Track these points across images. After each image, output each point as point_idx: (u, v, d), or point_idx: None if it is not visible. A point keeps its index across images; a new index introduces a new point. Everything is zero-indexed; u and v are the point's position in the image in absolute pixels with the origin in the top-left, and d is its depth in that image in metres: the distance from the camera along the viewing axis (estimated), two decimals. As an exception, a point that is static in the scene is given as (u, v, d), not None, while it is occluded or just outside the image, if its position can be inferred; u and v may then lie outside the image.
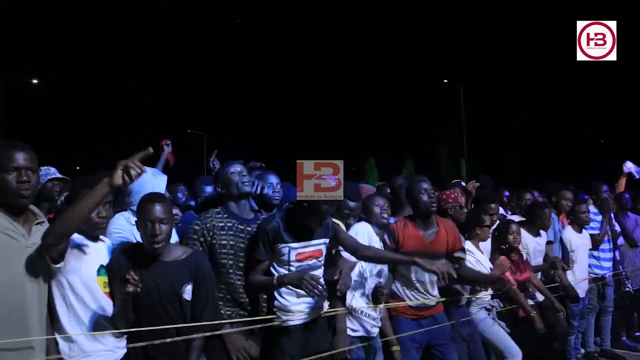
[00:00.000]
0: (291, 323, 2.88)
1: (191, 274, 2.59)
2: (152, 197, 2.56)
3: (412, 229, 3.51)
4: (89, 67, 29.23)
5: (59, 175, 3.76)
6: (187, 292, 2.58)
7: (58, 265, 2.26)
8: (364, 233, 3.33)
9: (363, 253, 3.11)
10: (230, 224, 2.98)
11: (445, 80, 26.83)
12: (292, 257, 2.88)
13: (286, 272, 2.87)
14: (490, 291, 3.99)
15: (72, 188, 2.71)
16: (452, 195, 4.08)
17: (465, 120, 26.32)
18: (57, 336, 2.37)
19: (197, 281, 2.61)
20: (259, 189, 3.38)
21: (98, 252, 2.52)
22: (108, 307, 2.46)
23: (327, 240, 3.01)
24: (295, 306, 2.89)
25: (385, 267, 3.47)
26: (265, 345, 2.96)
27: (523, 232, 4.36)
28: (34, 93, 25.22)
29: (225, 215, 3.01)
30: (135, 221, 2.60)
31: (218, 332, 2.69)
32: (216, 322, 2.67)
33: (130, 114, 28.99)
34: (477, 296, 3.92)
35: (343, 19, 35.00)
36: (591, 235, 5.22)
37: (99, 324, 2.41)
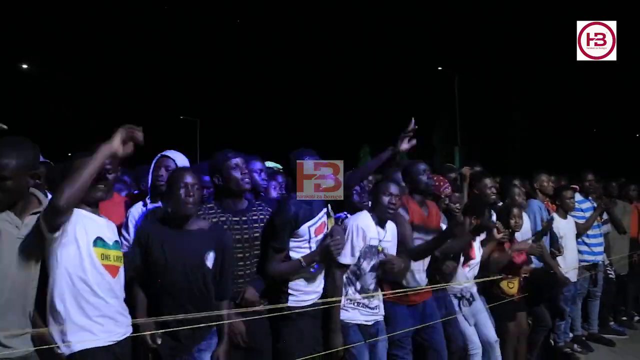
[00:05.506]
0: (307, 302, 2.99)
1: (214, 243, 2.73)
2: (183, 167, 2.89)
3: (413, 204, 3.60)
4: (82, 53, 28.97)
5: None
6: (210, 259, 2.72)
7: (55, 235, 2.22)
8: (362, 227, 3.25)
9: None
10: (224, 219, 2.97)
11: (440, 68, 26.74)
12: (312, 235, 2.99)
13: (308, 250, 2.98)
14: (468, 279, 3.98)
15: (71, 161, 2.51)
16: (447, 185, 4.06)
17: (460, 108, 26.29)
18: (52, 327, 2.27)
19: (218, 251, 2.74)
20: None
21: (94, 223, 2.42)
22: (107, 278, 2.38)
23: (325, 210, 3.14)
24: (308, 287, 3.03)
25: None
26: (277, 331, 3.00)
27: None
28: (23, 78, 24.99)
29: (219, 211, 2.98)
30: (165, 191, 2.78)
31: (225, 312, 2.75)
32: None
33: (124, 100, 28.83)
34: (451, 284, 3.88)
35: (337, 9, 34.78)
36: (576, 223, 5.26)
37: (100, 301, 2.33)
